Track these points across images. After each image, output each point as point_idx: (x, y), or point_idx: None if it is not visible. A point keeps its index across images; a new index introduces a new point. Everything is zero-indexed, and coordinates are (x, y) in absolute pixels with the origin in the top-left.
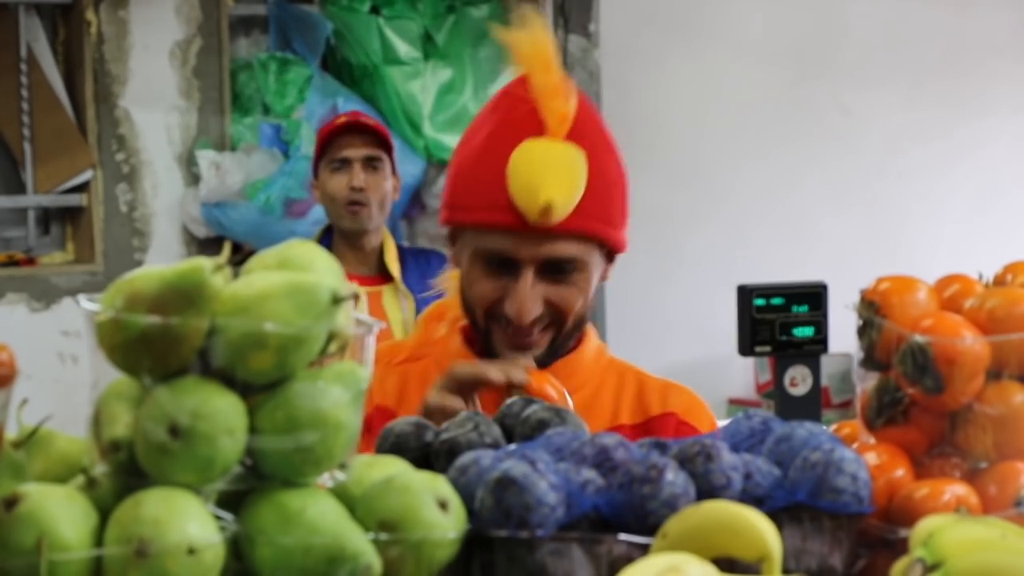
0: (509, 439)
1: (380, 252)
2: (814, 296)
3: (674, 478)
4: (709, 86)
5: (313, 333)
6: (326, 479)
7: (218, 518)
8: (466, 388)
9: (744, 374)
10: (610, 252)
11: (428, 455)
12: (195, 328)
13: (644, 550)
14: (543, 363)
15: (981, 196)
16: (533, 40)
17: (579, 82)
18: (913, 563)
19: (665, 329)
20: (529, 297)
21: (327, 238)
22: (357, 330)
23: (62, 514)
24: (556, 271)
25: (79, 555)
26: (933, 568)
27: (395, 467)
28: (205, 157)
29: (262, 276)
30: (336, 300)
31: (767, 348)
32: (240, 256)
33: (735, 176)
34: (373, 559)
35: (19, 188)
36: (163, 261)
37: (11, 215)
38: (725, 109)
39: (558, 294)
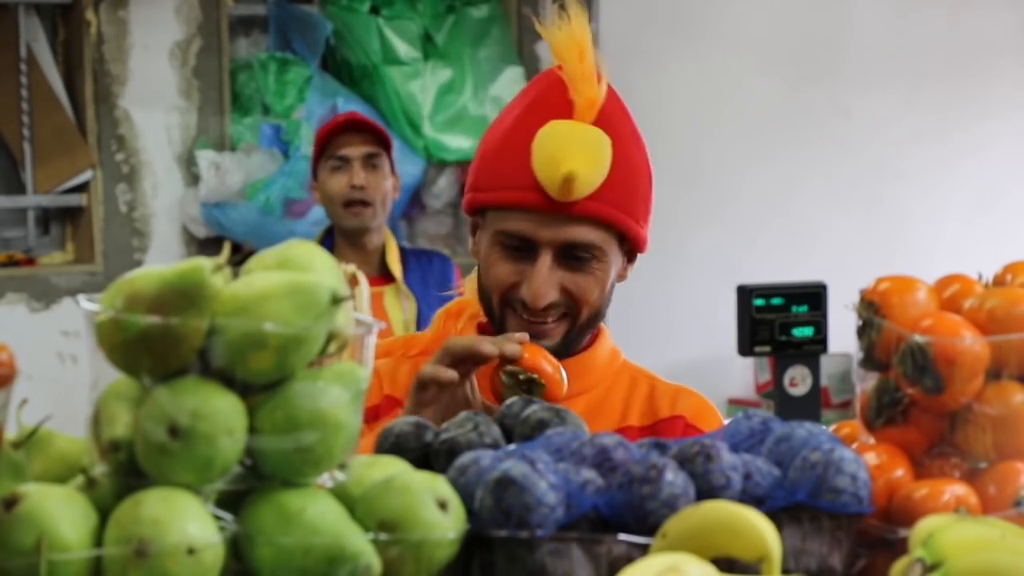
0: (509, 439)
1: (382, 252)
2: (814, 296)
3: (674, 478)
4: (709, 87)
5: (313, 333)
6: (326, 479)
7: (218, 518)
8: (460, 361)
9: (744, 374)
10: (630, 250)
11: (428, 455)
12: (195, 328)
13: (644, 550)
14: (556, 355)
15: (981, 197)
16: (570, 28)
17: None
18: (913, 563)
19: (665, 329)
20: (546, 281)
21: (328, 239)
22: (357, 330)
23: (62, 514)
24: (574, 257)
25: (79, 555)
26: (933, 568)
27: (395, 467)
28: (205, 157)
29: (262, 276)
30: (336, 300)
31: (767, 348)
32: (240, 256)
33: (735, 177)
34: (373, 559)
35: (19, 188)
36: (163, 261)
37: (11, 215)
38: (725, 110)
39: (575, 282)
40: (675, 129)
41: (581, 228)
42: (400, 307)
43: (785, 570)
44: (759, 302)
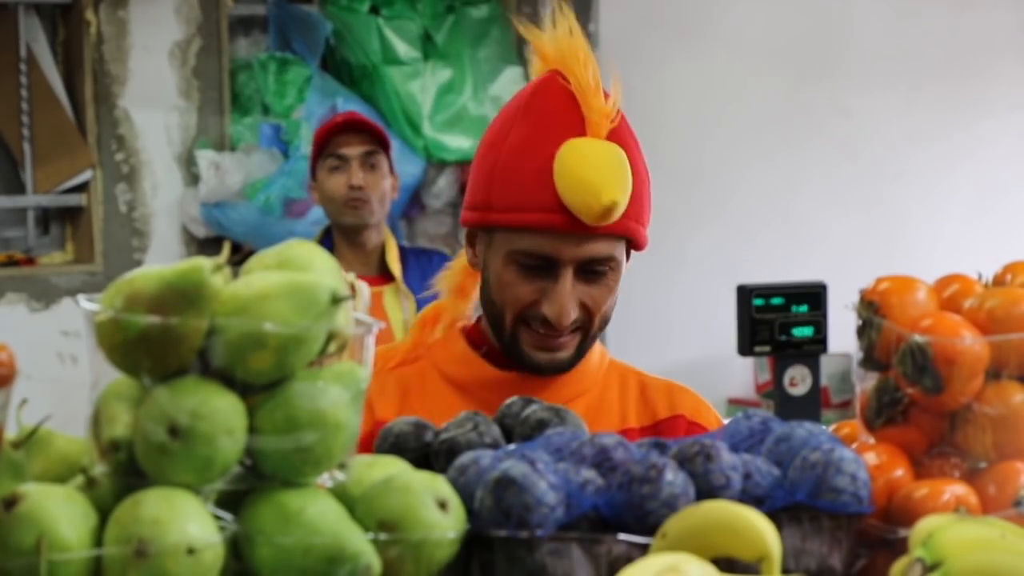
0: (508, 439)
1: (381, 252)
2: (813, 296)
3: (673, 478)
4: (709, 87)
5: (312, 333)
6: (326, 479)
7: (218, 518)
8: None
9: (743, 374)
10: (629, 249)
11: (427, 455)
12: (195, 328)
13: (643, 550)
14: (570, 365)
15: (981, 197)
16: (567, 36)
17: None
18: (912, 563)
19: (665, 329)
20: (570, 298)
21: (327, 239)
22: (356, 330)
23: (62, 514)
24: (592, 272)
25: (79, 555)
26: (932, 568)
27: (395, 467)
28: (205, 157)
29: (261, 276)
30: (335, 300)
31: (766, 348)
32: (239, 256)
33: (735, 177)
34: (373, 559)
35: (19, 188)
36: (163, 261)
37: (11, 215)
38: (726, 110)
39: (591, 295)
40: (675, 129)
41: (601, 244)
42: (400, 307)
43: (785, 570)
44: (759, 302)
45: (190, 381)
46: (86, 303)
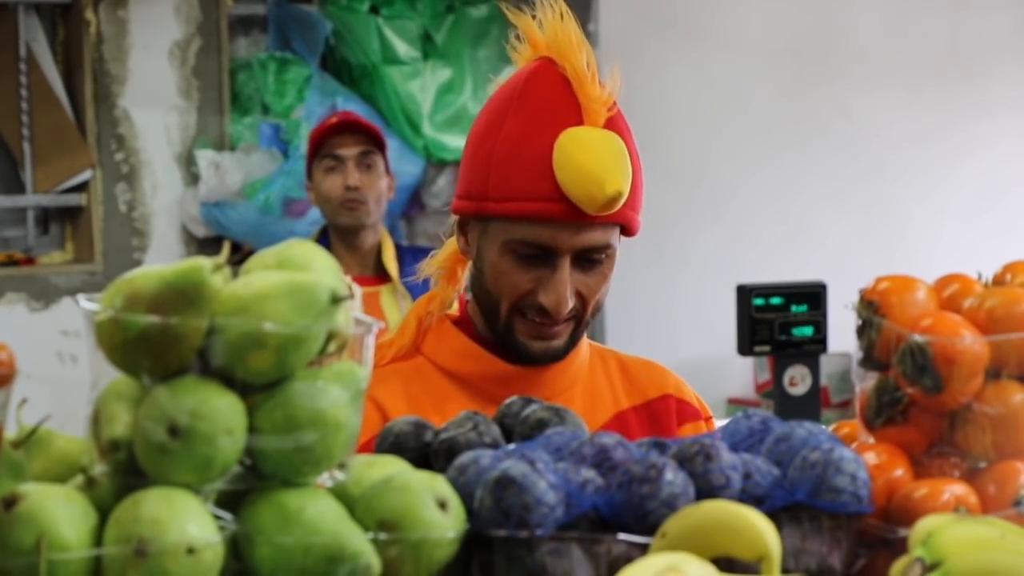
0: (508, 439)
1: (378, 252)
2: (813, 296)
3: (673, 478)
4: (709, 88)
5: (312, 333)
6: (325, 479)
7: (217, 518)
8: None
9: (743, 374)
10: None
11: (427, 455)
12: (194, 328)
13: (643, 550)
14: (564, 353)
15: (981, 197)
16: (558, 21)
17: None
18: (912, 563)
19: (666, 329)
20: (568, 287)
21: (324, 239)
22: (356, 330)
23: (61, 514)
24: (588, 260)
25: (78, 555)
26: (932, 567)
27: (394, 467)
28: (204, 157)
29: (261, 276)
30: (335, 300)
31: (766, 348)
32: (239, 256)
33: (736, 177)
34: (372, 559)
35: (18, 188)
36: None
37: (10, 215)
38: (726, 111)
39: (586, 283)
40: (675, 129)
41: (598, 232)
42: (397, 307)
43: (785, 570)
44: (759, 302)
45: (190, 381)
46: (86, 303)
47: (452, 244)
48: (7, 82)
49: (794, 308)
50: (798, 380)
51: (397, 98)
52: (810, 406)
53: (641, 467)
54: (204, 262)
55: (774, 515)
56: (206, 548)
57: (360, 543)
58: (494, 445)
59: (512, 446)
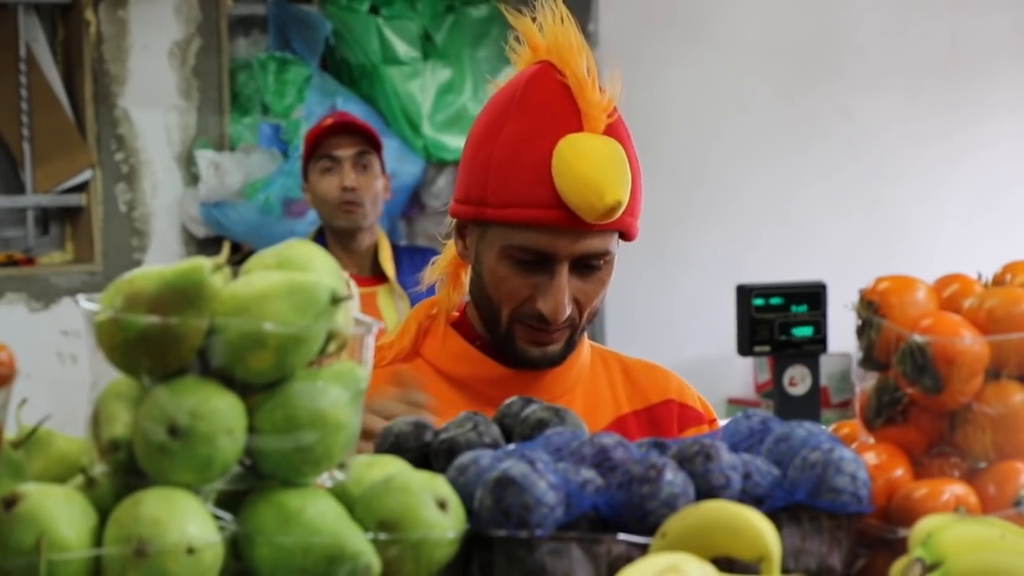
0: (508, 439)
1: (374, 252)
2: (813, 296)
3: (673, 478)
4: (709, 88)
5: (312, 333)
6: (325, 479)
7: (217, 518)
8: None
9: (743, 374)
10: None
11: (427, 455)
12: (194, 328)
13: (643, 550)
14: (560, 358)
15: (981, 197)
16: (558, 25)
17: None
18: (912, 563)
19: (666, 329)
20: (566, 294)
21: (320, 239)
22: (356, 330)
23: (61, 514)
24: (587, 266)
25: (78, 555)
26: (932, 568)
27: (394, 467)
28: (204, 157)
29: (261, 276)
30: (335, 300)
31: (766, 348)
32: (239, 256)
33: (736, 177)
34: (372, 559)
35: (18, 188)
36: (162, 261)
37: (10, 215)
38: (726, 111)
39: (583, 290)
40: (675, 130)
41: (596, 239)
42: (394, 307)
43: (785, 570)
44: (759, 302)
45: (190, 381)
46: (86, 303)
47: (452, 249)
48: (7, 82)
49: (794, 308)
50: (798, 380)
51: (397, 98)
52: (810, 406)
53: (641, 467)
54: (204, 262)
55: (774, 515)
56: (206, 548)
57: (360, 543)
58: (494, 445)
59: (512, 446)
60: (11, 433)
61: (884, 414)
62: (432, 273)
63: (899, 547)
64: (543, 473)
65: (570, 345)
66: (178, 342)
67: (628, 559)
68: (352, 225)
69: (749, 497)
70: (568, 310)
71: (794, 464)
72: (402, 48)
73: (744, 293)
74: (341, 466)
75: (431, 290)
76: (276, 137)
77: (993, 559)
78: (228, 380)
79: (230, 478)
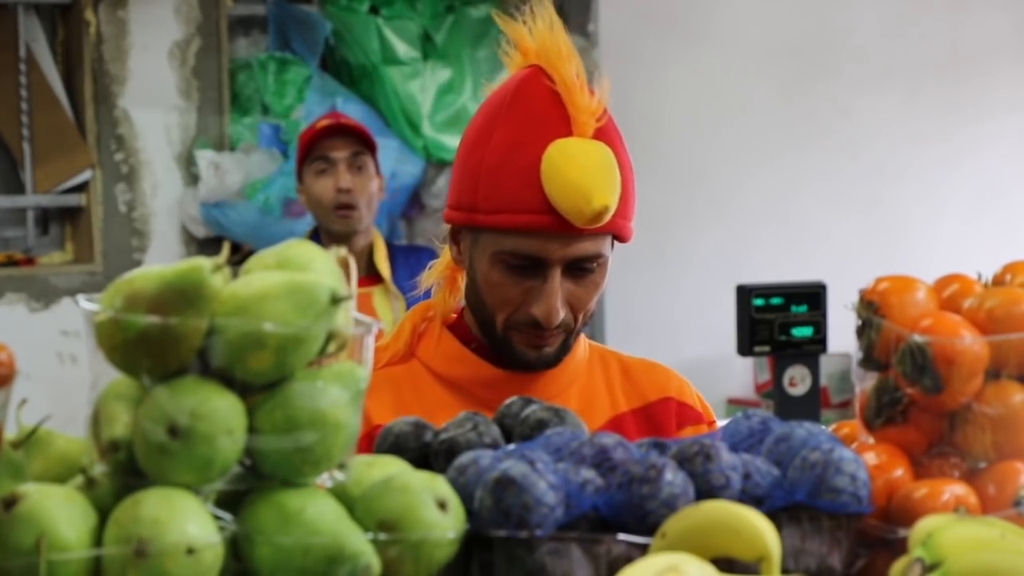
0: (508, 439)
1: (369, 253)
2: (813, 296)
3: (673, 478)
4: (709, 88)
5: (312, 333)
6: (325, 479)
7: (217, 518)
8: None
9: (743, 374)
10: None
11: (427, 455)
12: (194, 328)
13: (643, 550)
14: (556, 360)
15: (980, 197)
16: (548, 30)
17: None
18: (912, 563)
19: (666, 329)
20: (558, 299)
21: (315, 238)
22: (356, 330)
23: (61, 514)
24: (580, 269)
25: (78, 555)
26: (932, 568)
27: (394, 467)
28: (204, 157)
29: (261, 276)
30: (335, 300)
31: (766, 348)
32: (239, 256)
33: (736, 177)
34: (372, 559)
35: (18, 188)
36: (162, 261)
37: (10, 215)
38: (725, 111)
39: (576, 294)
40: (675, 130)
41: (588, 243)
42: (390, 307)
43: (784, 570)
44: (759, 302)
45: (190, 381)
46: (86, 303)
47: (448, 253)
48: (7, 82)
49: (794, 308)
50: (798, 380)
51: (397, 98)
52: (810, 406)
53: (641, 467)
54: (204, 262)
55: (774, 515)
56: (206, 548)
57: (360, 543)
58: (494, 445)
59: (512, 446)
60: (11, 433)
61: (884, 414)
62: (429, 277)
63: (899, 547)
64: (543, 473)
65: (565, 347)
66: (178, 342)
67: (628, 559)
68: (348, 229)
69: (749, 497)
70: (561, 314)
71: (794, 464)
72: (402, 48)
73: (744, 293)
74: (341, 466)
75: (428, 293)
76: (276, 137)
77: (993, 559)
78: (228, 380)
79: (230, 478)
